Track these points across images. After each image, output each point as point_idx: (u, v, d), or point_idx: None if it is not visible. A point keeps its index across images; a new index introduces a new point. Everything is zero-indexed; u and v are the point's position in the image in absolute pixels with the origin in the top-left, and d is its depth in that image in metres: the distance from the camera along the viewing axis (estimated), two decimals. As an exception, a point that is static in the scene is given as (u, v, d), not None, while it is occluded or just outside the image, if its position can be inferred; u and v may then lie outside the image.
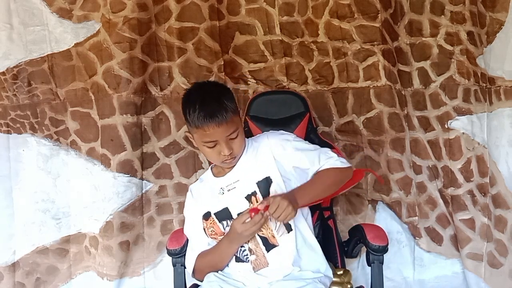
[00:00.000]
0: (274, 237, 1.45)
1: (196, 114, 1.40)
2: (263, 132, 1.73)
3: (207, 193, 1.56)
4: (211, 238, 1.52)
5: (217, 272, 1.50)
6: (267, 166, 1.49)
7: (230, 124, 1.42)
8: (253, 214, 1.36)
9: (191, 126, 1.45)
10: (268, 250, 1.45)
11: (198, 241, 1.54)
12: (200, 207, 1.54)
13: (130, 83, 2.10)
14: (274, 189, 1.45)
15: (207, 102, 1.41)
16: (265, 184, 1.46)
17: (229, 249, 1.47)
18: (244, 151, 1.53)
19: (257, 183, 1.47)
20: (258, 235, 1.46)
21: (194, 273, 1.55)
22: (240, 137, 1.47)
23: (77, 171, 2.17)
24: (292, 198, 1.36)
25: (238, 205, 1.47)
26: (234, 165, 1.52)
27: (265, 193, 1.45)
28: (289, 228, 1.46)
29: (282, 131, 1.61)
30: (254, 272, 1.45)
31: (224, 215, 1.49)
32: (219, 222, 1.50)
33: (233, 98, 1.48)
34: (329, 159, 1.51)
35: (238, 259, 1.48)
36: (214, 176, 1.57)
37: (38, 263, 2.19)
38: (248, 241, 1.46)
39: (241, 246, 1.48)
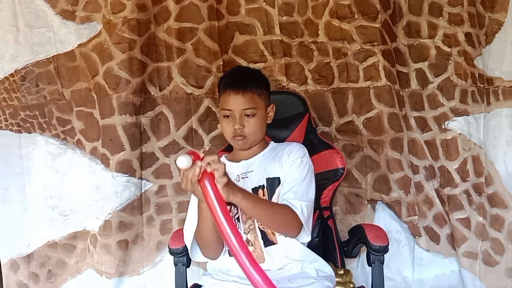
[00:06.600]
0: (274, 234, 1.47)
1: (225, 79, 1.57)
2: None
3: None
4: None
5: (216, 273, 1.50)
6: (282, 169, 1.52)
7: (249, 100, 1.49)
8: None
9: (219, 93, 1.57)
10: (266, 245, 1.46)
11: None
12: None
13: (129, 84, 2.11)
14: (279, 191, 1.48)
15: (239, 74, 1.60)
16: (273, 183, 1.49)
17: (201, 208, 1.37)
18: (267, 148, 1.59)
19: (266, 179, 1.50)
20: (258, 228, 1.47)
21: (201, 251, 1.48)
22: (256, 121, 1.51)
23: (82, 170, 2.21)
24: (235, 188, 1.24)
25: None
26: (246, 149, 1.56)
27: (272, 191, 1.48)
28: None
29: (303, 149, 1.58)
30: None
31: None
32: None
33: (265, 86, 1.58)
34: (301, 203, 1.42)
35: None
36: (229, 160, 1.59)
37: (49, 256, 2.26)
38: (248, 232, 1.48)
39: None
